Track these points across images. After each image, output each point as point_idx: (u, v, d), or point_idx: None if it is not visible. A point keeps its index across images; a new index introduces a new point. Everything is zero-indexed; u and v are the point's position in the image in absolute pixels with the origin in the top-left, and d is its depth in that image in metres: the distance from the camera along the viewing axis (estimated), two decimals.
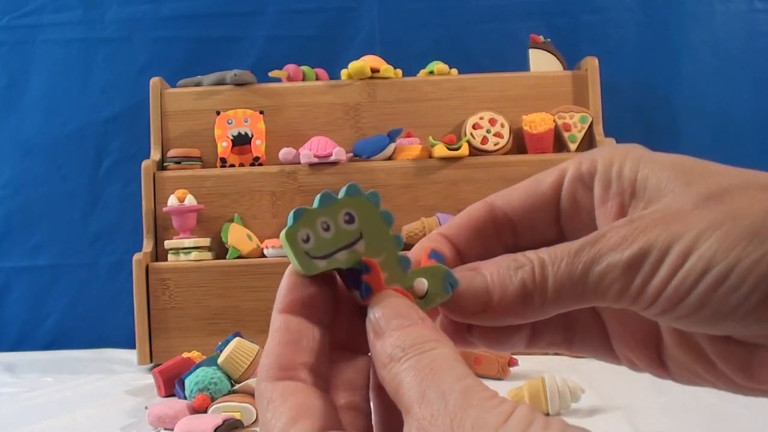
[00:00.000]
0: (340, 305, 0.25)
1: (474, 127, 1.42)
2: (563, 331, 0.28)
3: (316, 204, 0.25)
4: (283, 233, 0.24)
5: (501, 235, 0.28)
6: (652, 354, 0.27)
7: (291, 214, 0.24)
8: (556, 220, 0.27)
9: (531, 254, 0.24)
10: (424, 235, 1.43)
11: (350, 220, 0.25)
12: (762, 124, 1.58)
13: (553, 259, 0.23)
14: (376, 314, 0.23)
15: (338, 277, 0.25)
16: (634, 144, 0.27)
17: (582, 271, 0.23)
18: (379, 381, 0.22)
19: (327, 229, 0.24)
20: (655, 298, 0.22)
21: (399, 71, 1.50)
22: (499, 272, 0.24)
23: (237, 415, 0.84)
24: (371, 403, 0.26)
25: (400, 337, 0.22)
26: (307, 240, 0.23)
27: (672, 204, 0.23)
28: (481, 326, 0.26)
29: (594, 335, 0.29)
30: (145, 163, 1.42)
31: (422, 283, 0.24)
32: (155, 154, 1.45)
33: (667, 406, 0.85)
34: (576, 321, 0.28)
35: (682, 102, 1.59)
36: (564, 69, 1.50)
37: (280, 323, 0.24)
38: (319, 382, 0.23)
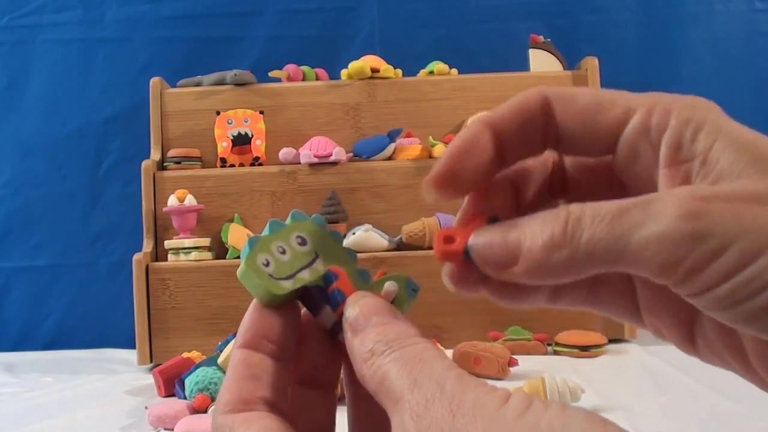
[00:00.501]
0: (302, 342, 0.25)
1: None
2: (587, 290, 0.26)
3: (266, 231, 0.25)
4: (242, 264, 0.24)
5: (548, 132, 0.25)
6: (684, 330, 0.25)
7: (246, 244, 0.24)
8: (608, 150, 0.25)
9: (574, 206, 0.21)
10: (425, 235, 1.41)
11: (303, 242, 0.25)
12: (762, 125, 1.56)
13: (594, 214, 0.21)
14: (353, 312, 0.22)
15: (301, 305, 0.25)
16: (711, 102, 0.24)
17: (623, 233, 0.20)
18: (357, 378, 0.22)
19: (283, 253, 0.24)
20: (706, 290, 0.20)
21: (399, 71, 1.50)
22: (534, 223, 0.22)
23: None
24: (348, 402, 0.26)
25: (381, 332, 0.21)
26: (267, 264, 0.24)
27: (745, 190, 0.20)
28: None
29: (622, 299, 0.26)
30: (145, 163, 1.42)
31: (393, 285, 0.25)
32: (155, 154, 1.45)
33: (667, 406, 0.85)
34: (604, 281, 0.26)
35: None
36: (564, 69, 1.50)
37: (240, 358, 0.24)
38: (278, 413, 0.23)
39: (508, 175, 0.26)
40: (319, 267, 0.25)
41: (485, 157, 0.24)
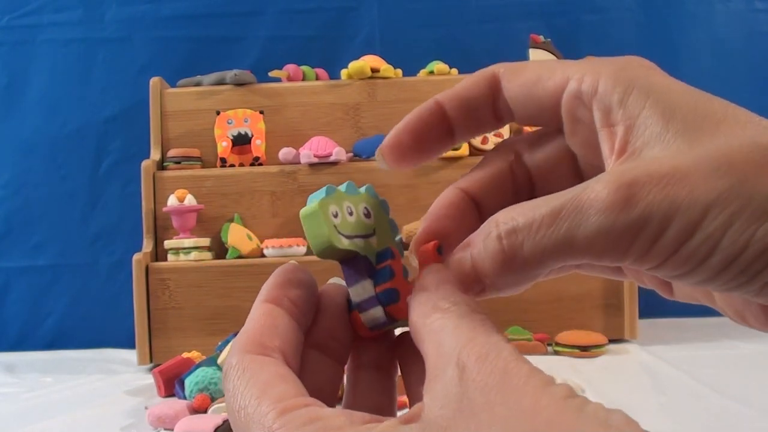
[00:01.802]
0: (323, 307, 0.26)
1: None
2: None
3: (343, 188, 0.25)
4: (314, 204, 0.24)
5: (497, 109, 0.26)
6: (658, 278, 0.26)
7: (323, 189, 0.24)
8: (555, 120, 0.26)
9: (502, 216, 0.22)
10: None
11: (368, 214, 0.25)
12: None
13: (528, 222, 0.21)
14: (429, 278, 0.23)
15: (341, 267, 0.25)
16: (643, 61, 0.25)
17: (565, 235, 0.21)
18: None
19: (351, 214, 0.24)
20: (655, 267, 0.21)
21: (399, 71, 1.50)
22: (476, 246, 0.23)
23: None
24: (346, 386, 0.26)
25: (452, 293, 0.22)
26: (335, 216, 0.24)
27: (672, 164, 0.20)
28: None
29: None
30: (145, 163, 1.42)
31: None
32: (155, 154, 1.45)
33: (668, 406, 0.85)
34: None
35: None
36: None
37: (263, 310, 0.24)
38: (291, 367, 0.23)
39: (468, 193, 0.27)
40: (373, 243, 0.25)
41: (433, 131, 0.26)
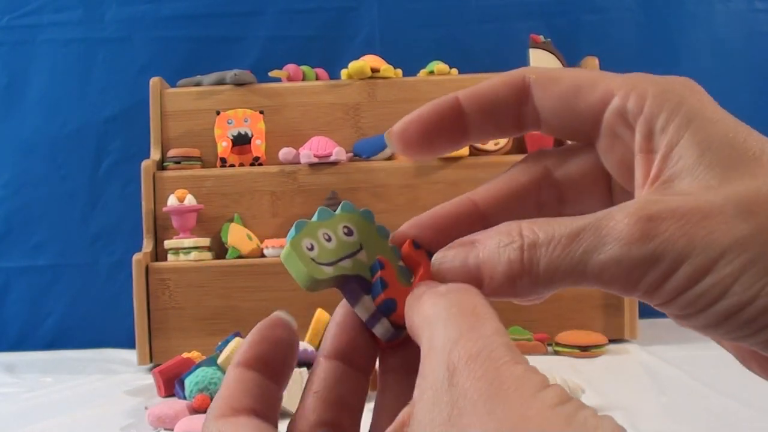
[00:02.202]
0: (344, 319, 0.26)
1: None
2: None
3: (315, 218, 0.25)
4: (287, 245, 0.24)
5: (523, 116, 0.26)
6: None
7: (293, 227, 0.25)
8: (588, 135, 0.25)
9: (525, 228, 0.22)
10: None
11: (349, 232, 0.25)
12: (762, 124, 1.57)
13: (548, 238, 0.21)
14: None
15: (340, 291, 0.26)
16: (689, 83, 0.25)
17: (580, 258, 0.21)
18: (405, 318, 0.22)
19: (329, 240, 0.25)
20: (663, 304, 0.21)
21: (399, 71, 1.50)
22: (489, 248, 0.22)
23: None
24: (378, 389, 0.26)
25: (447, 286, 0.22)
26: (311, 249, 0.24)
27: (697, 202, 0.20)
28: None
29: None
30: (145, 163, 1.42)
31: None
32: (155, 154, 1.45)
33: (668, 406, 0.85)
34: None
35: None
36: None
37: (234, 374, 0.24)
38: (268, 419, 0.23)
39: (480, 207, 0.27)
40: (363, 258, 0.25)
41: (445, 126, 0.26)
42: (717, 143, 0.22)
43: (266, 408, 0.24)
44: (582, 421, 0.17)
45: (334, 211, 0.26)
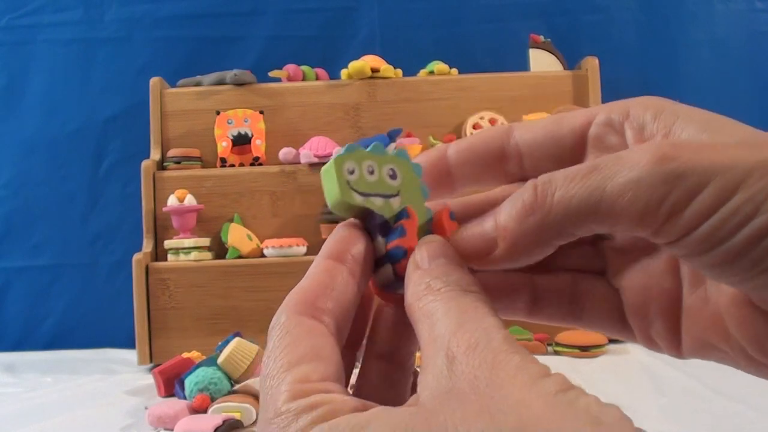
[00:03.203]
0: (378, 321, 0.26)
1: (474, 127, 1.42)
2: (569, 301, 0.26)
3: (369, 149, 0.25)
4: (331, 160, 0.24)
5: (507, 162, 0.26)
6: (670, 326, 0.25)
7: (343, 147, 0.25)
8: (573, 163, 0.24)
9: (543, 175, 0.21)
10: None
11: (393, 175, 0.25)
12: (763, 124, 1.57)
13: (566, 174, 0.21)
14: (422, 252, 0.23)
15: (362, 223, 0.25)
16: (665, 99, 0.25)
17: (597, 184, 0.20)
18: (406, 313, 0.22)
19: (371, 173, 0.24)
20: (685, 233, 0.19)
21: (399, 71, 1.50)
22: (503, 206, 0.22)
23: (237, 416, 0.84)
24: (363, 358, 0.26)
25: (445, 272, 0.21)
26: (351, 173, 0.24)
27: (712, 140, 0.21)
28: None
29: (606, 307, 0.26)
30: (145, 163, 1.42)
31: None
32: (155, 154, 1.45)
33: (668, 407, 0.85)
34: (585, 291, 0.26)
35: (682, 102, 1.58)
36: (564, 69, 1.50)
37: (324, 266, 0.24)
38: (338, 335, 0.23)
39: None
40: (395, 204, 0.25)
41: (437, 180, 0.26)
42: (706, 121, 0.22)
43: (344, 315, 0.23)
44: (584, 407, 0.16)
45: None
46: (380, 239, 0.24)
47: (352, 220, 0.25)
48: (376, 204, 0.24)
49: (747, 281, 0.20)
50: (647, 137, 0.23)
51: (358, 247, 0.24)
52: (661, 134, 0.23)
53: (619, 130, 0.24)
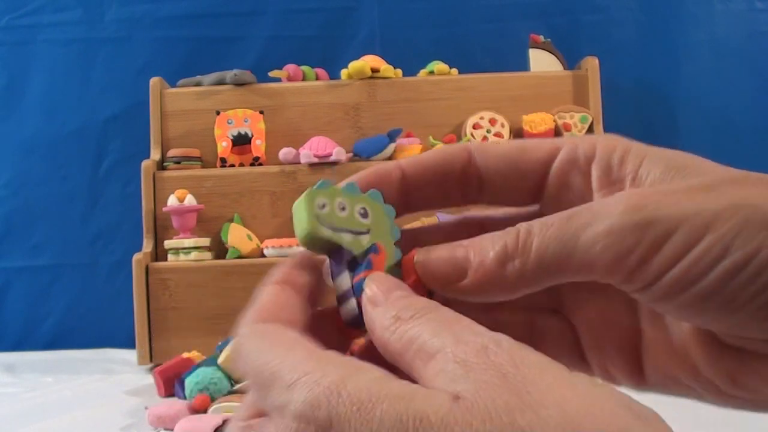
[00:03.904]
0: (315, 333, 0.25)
1: (474, 127, 1.42)
2: (528, 338, 0.25)
3: (341, 186, 0.26)
4: (304, 194, 0.25)
5: (466, 184, 0.26)
6: (631, 360, 0.25)
7: (318, 182, 0.25)
8: (533, 194, 0.26)
9: (524, 223, 0.22)
10: None
11: (365, 214, 0.25)
12: (763, 124, 1.58)
13: (543, 222, 0.21)
14: (373, 288, 0.22)
15: (327, 262, 0.26)
16: (633, 141, 0.25)
17: (573, 233, 0.20)
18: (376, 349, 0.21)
19: (343, 209, 0.25)
20: (656, 279, 0.20)
21: (399, 71, 1.50)
22: (482, 242, 0.22)
23: None
24: None
25: (407, 302, 0.21)
26: (322, 207, 0.25)
27: (680, 185, 0.21)
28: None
29: (564, 346, 0.26)
30: (145, 163, 1.42)
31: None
32: (155, 154, 1.45)
33: (667, 406, 0.85)
34: (542, 327, 0.27)
35: (682, 102, 1.59)
36: (564, 69, 1.50)
37: (270, 290, 0.24)
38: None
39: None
40: (364, 242, 0.25)
41: (389, 195, 0.26)
42: (674, 161, 0.23)
43: (300, 325, 0.23)
44: (625, 403, 0.17)
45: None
46: (346, 273, 0.24)
47: (302, 251, 0.26)
48: (345, 239, 0.25)
49: (717, 321, 0.21)
50: (615, 180, 0.23)
51: (305, 274, 0.25)
52: (629, 178, 0.23)
53: (584, 170, 0.24)
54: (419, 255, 0.24)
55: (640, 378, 0.25)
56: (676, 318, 0.23)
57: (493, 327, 0.23)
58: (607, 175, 0.23)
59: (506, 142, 0.26)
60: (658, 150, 0.23)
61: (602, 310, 0.25)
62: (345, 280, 0.24)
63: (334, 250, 0.25)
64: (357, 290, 0.23)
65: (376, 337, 0.21)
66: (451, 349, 0.18)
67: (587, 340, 0.26)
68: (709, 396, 0.24)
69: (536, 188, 0.25)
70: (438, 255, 0.23)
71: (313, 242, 0.25)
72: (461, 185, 0.26)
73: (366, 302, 0.22)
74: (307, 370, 0.18)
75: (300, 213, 0.25)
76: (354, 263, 0.24)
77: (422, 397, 0.17)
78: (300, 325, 0.23)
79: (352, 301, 0.24)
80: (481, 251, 0.22)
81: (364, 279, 0.23)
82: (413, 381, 0.18)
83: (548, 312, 0.27)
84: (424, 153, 0.27)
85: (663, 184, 0.22)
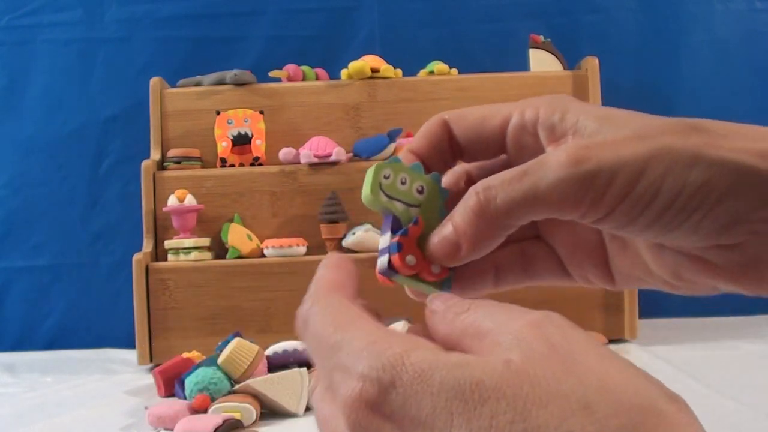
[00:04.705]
0: None
1: None
2: (522, 269, 0.32)
3: (408, 165, 0.30)
4: (374, 165, 0.29)
5: (453, 147, 0.31)
6: (601, 268, 0.31)
7: (389, 158, 0.30)
8: (499, 151, 0.31)
9: (478, 183, 0.27)
10: None
11: (421, 191, 0.30)
12: (763, 124, 1.58)
13: (501, 179, 0.26)
14: (436, 303, 0.25)
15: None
16: (567, 96, 0.29)
17: (530, 185, 0.25)
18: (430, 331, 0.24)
19: (403, 183, 0.30)
20: (606, 215, 0.25)
21: (399, 71, 1.50)
22: (454, 217, 0.28)
23: (237, 415, 0.84)
24: None
25: (461, 302, 0.24)
26: (387, 177, 0.29)
27: (615, 135, 0.25)
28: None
29: (550, 265, 0.32)
30: (145, 163, 1.42)
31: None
32: (155, 154, 1.45)
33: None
34: (532, 255, 0.32)
35: (682, 102, 1.59)
36: (564, 69, 1.50)
37: (330, 270, 0.27)
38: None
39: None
40: (413, 213, 0.30)
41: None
42: (605, 116, 0.27)
43: (353, 297, 0.26)
44: (658, 384, 0.19)
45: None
46: (389, 234, 0.29)
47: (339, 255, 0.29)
48: (397, 207, 0.29)
49: (658, 239, 0.26)
50: (559, 135, 0.27)
51: (351, 263, 0.28)
52: (571, 132, 0.27)
53: (532, 132, 0.29)
54: (427, 248, 0.29)
55: (611, 280, 0.31)
56: (628, 237, 0.29)
57: (498, 266, 0.31)
58: (552, 132, 0.28)
59: (474, 110, 0.31)
60: (591, 106, 0.28)
61: (572, 234, 0.31)
62: (386, 239, 0.29)
63: (386, 213, 0.29)
64: (391, 247, 0.28)
65: (440, 336, 0.23)
66: (506, 326, 0.21)
67: (566, 257, 0.32)
68: (663, 287, 0.30)
69: (500, 148, 0.30)
70: (437, 240, 0.28)
71: (371, 203, 0.29)
72: (449, 152, 0.31)
73: (428, 314, 0.25)
74: (374, 340, 0.21)
75: (367, 178, 0.29)
76: (398, 226, 0.29)
77: (477, 363, 0.19)
78: (354, 302, 0.25)
79: (385, 258, 0.29)
80: (459, 221, 0.27)
81: (399, 242, 0.28)
82: None
83: (533, 239, 0.32)
84: (417, 135, 0.32)
85: (600, 135, 0.26)
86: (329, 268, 0.27)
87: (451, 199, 0.30)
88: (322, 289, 0.25)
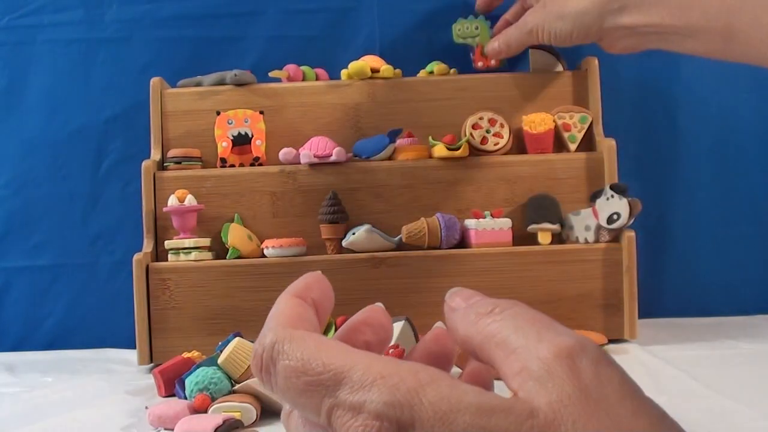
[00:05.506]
0: None
1: (473, 127, 1.42)
2: None
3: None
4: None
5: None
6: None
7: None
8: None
9: (500, 36, 1.06)
10: (425, 235, 1.42)
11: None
12: (763, 124, 1.58)
13: (510, 32, 1.08)
14: (455, 299, 0.24)
15: None
16: None
17: (519, 35, 1.17)
18: (459, 339, 0.23)
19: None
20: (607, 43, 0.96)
21: (399, 71, 1.50)
22: (496, 41, 1.17)
23: (237, 415, 0.84)
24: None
25: (484, 301, 0.23)
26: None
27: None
28: None
29: None
30: (145, 163, 1.42)
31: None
32: (155, 154, 1.45)
33: (667, 406, 0.85)
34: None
35: (682, 102, 1.59)
36: (564, 69, 1.50)
37: (293, 302, 0.26)
38: None
39: None
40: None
41: None
42: None
43: (316, 331, 0.25)
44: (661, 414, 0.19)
45: None
46: None
47: (317, 272, 0.29)
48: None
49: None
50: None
51: (318, 294, 0.27)
52: None
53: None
54: (486, 48, 1.17)
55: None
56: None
57: None
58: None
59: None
60: None
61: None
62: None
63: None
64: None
65: (460, 336, 0.23)
66: (535, 347, 0.20)
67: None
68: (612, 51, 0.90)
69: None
70: (490, 48, 1.24)
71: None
72: None
73: (448, 311, 0.24)
74: (383, 373, 0.20)
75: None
76: None
77: (501, 412, 0.19)
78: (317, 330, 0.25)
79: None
80: (498, 44, 1.18)
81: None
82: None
83: None
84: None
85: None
86: (288, 302, 0.26)
87: None
88: (284, 324, 0.24)
